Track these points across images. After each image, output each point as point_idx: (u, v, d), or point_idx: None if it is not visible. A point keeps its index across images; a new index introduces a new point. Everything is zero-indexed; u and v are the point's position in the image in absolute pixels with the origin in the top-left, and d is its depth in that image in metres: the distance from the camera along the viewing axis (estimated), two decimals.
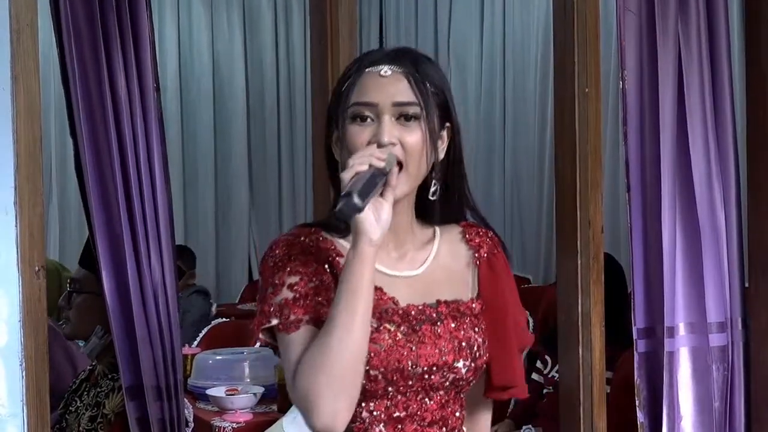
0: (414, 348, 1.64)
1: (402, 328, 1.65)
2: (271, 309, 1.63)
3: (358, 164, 1.56)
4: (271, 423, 3.34)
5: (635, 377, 2.80)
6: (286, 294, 1.62)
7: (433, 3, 7.11)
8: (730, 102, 2.92)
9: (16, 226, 2.31)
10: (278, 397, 3.62)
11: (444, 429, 1.70)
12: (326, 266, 1.65)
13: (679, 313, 2.83)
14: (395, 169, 1.59)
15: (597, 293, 2.79)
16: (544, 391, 3.96)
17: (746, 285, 3.02)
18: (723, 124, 2.90)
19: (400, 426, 1.67)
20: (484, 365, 1.72)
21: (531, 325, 4.31)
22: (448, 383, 1.67)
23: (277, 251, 1.67)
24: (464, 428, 1.75)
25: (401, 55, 1.70)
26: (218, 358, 4.04)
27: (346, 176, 1.55)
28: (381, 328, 1.63)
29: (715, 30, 2.88)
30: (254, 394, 3.66)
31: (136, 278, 2.50)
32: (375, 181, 1.56)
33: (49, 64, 4.92)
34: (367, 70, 1.68)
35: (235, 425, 3.50)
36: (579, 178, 2.78)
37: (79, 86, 2.44)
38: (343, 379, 1.53)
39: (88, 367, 3.01)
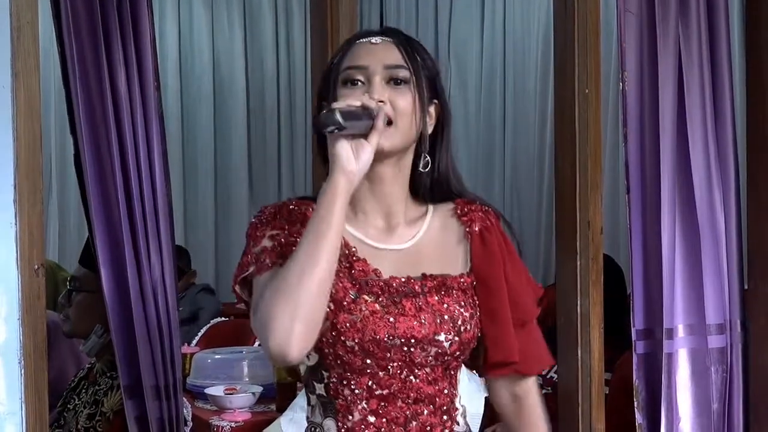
0: (392, 319, 1.64)
1: (381, 299, 1.65)
2: (250, 259, 1.66)
3: (351, 100, 1.60)
4: (269, 422, 3.33)
5: (634, 378, 2.80)
6: (266, 243, 1.65)
7: (433, 3, 7.11)
8: (730, 104, 2.92)
9: (15, 225, 2.31)
10: (277, 397, 3.61)
11: (431, 407, 1.69)
12: None
13: (678, 314, 2.82)
14: (383, 113, 1.62)
15: (596, 294, 2.79)
16: (543, 392, 3.96)
17: (745, 287, 3.02)
18: (723, 125, 2.90)
19: (384, 403, 1.67)
20: (475, 341, 1.71)
21: None
22: (431, 358, 1.67)
23: (265, 211, 1.71)
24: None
25: (392, 30, 1.76)
26: (217, 357, 4.04)
27: (338, 104, 1.59)
28: (359, 299, 1.64)
29: (715, 32, 2.88)
30: (253, 393, 3.65)
31: (135, 277, 2.50)
32: (360, 116, 1.59)
33: (50, 62, 4.92)
34: (357, 41, 1.74)
35: (233, 424, 3.50)
36: (579, 179, 2.78)
37: (80, 84, 2.44)
38: (302, 304, 1.53)
39: (87, 366, 3.01)
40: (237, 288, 1.69)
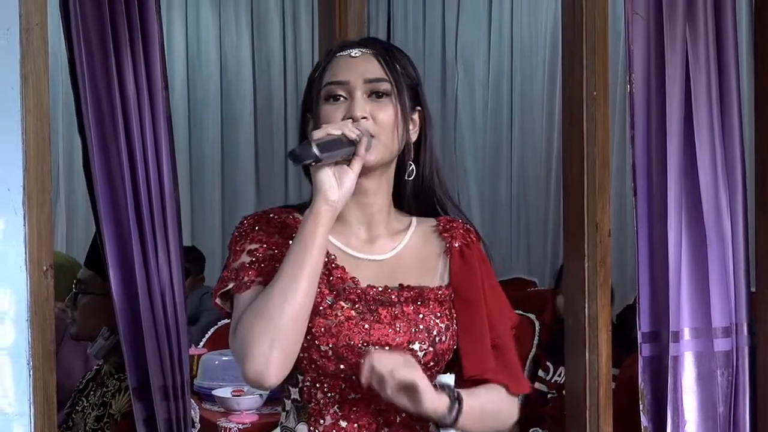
0: (367, 326, 1.64)
1: (357, 306, 1.66)
2: (230, 274, 1.67)
3: (332, 128, 1.60)
4: (276, 424, 3.33)
5: (640, 381, 2.79)
6: (245, 259, 1.66)
7: (441, 5, 7.11)
8: (737, 106, 2.91)
9: (24, 226, 2.31)
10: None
11: (404, 414, 1.68)
12: (290, 241, 1.65)
13: (684, 317, 2.82)
14: (365, 140, 1.62)
15: (604, 297, 2.79)
16: (549, 396, 3.96)
17: (752, 290, 3.02)
18: (730, 128, 2.90)
19: (356, 408, 1.67)
20: (450, 353, 1.71)
21: (537, 328, 4.31)
22: None
23: (244, 223, 1.72)
24: None
25: (371, 41, 1.76)
26: (224, 358, 4.04)
27: (317, 134, 1.59)
28: (335, 305, 1.65)
29: (722, 34, 2.88)
30: (260, 395, 3.66)
31: (143, 278, 2.50)
32: (341, 146, 1.59)
33: (58, 64, 4.94)
34: (338, 54, 1.73)
35: (240, 426, 3.50)
36: (586, 181, 2.78)
37: (88, 86, 2.44)
38: (281, 330, 1.54)
39: (95, 367, 3.01)
40: (218, 301, 1.71)
